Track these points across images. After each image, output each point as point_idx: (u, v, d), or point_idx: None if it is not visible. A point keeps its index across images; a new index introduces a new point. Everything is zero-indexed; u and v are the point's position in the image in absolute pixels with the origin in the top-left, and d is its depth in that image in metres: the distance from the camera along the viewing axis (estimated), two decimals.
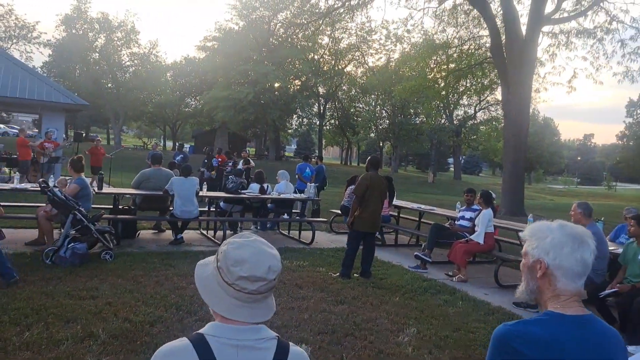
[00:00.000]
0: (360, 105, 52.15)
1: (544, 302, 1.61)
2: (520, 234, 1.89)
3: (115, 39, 48.54)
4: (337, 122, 53.80)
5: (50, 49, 47.15)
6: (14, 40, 42.77)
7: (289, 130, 61.49)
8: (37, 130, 16.42)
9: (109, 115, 49.56)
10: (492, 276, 7.46)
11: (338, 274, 6.90)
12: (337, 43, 45.88)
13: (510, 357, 1.53)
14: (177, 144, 28.07)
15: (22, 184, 8.27)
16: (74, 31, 46.38)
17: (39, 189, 6.95)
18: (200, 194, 8.81)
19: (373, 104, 50.40)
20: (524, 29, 17.66)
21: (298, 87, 46.24)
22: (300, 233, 9.73)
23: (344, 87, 50.11)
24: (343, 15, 39.16)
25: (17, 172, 10.83)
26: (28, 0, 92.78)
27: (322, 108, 49.96)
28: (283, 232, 10.36)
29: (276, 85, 42.35)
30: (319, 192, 12.02)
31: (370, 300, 5.98)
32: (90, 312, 4.83)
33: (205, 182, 12.00)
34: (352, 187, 10.14)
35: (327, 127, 56.06)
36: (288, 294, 5.86)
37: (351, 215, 6.98)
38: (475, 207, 8.15)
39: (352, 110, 52.07)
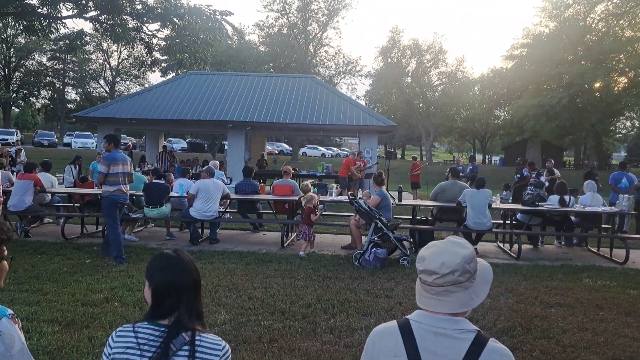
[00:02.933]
0: None
1: None
2: None
3: (425, 61, 51.60)
4: None
5: (370, 78, 53.33)
6: (342, 76, 50.06)
7: (617, 136, 53.95)
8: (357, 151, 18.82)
9: (421, 133, 52.75)
10: None
11: None
12: None
13: None
14: (469, 155, 28.00)
15: (338, 197, 9.79)
16: (389, 60, 51.34)
17: (348, 200, 8.13)
18: (494, 205, 8.74)
19: None
20: None
21: (625, 84, 40.21)
22: (611, 251, 8.59)
23: None
24: None
25: (338, 187, 12.82)
26: (351, 39, 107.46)
27: None
28: (592, 249, 9.30)
29: (596, 85, 37.86)
30: None
31: None
32: (382, 309, 5.45)
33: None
34: None
35: None
36: (584, 314, 5.35)
37: None
38: None
39: None
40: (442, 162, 52.46)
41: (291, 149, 48.99)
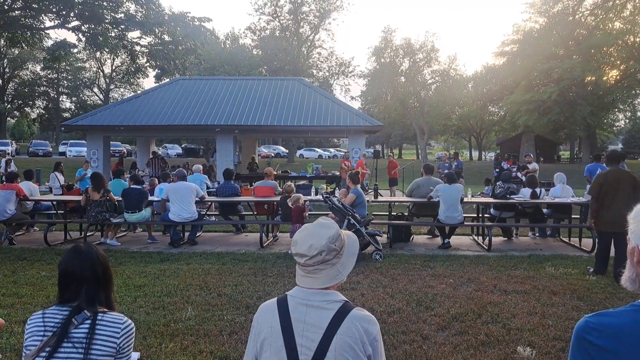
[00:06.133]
0: None
1: None
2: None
3: (418, 60, 51.77)
4: None
5: (364, 79, 53.52)
6: (335, 77, 50.28)
7: (613, 128, 54.28)
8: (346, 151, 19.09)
9: (416, 131, 52.90)
10: None
11: (592, 269, 6.74)
12: None
13: (587, 351, 1.46)
14: (452, 152, 27.99)
15: (316, 196, 9.99)
16: (382, 60, 51.52)
17: (323, 199, 8.33)
18: (465, 199, 8.93)
19: None
20: None
21: (616, 77, 40.44)
22: (580, 240, 8.79)
23: None
24: None
25: (328, 188, 13.04)
26: (344, 40, 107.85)
27: None
28: (564, 239, 9.50)
29: (587, 79, 38.05)
30: None
31: None
32: None
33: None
34: None
35: None
36: (537, 300, 5.54)
37: (591, 215, 6.85)
38: None
39: None
40: (435, 160, 52.63)
41: (287, 151, 49.18)
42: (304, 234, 1.83)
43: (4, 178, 11.18)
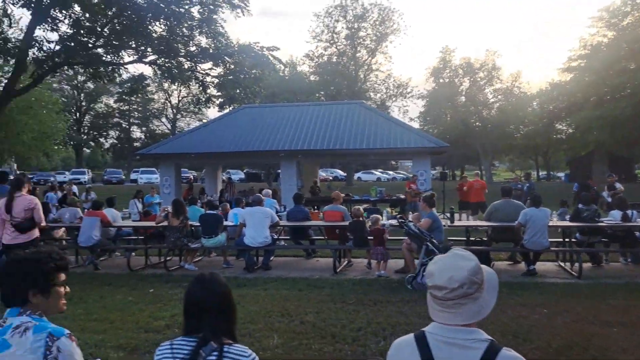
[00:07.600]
0: None
1: None
2: None
3: (479, 79, 50.82)
4: None
5: (423, 100, 53.06)
6: (394, 99, 50.16)
7: None
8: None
9: (479, 152, 51.59)
10: None
11: None
12: None
13: None
14: (523, 172, 26.67)
15: (390, 221, 9.79)
16: (441, 80, 50.98)
17: (398, 224, 8.16)
18: (551, 223, 8.48)
19: None
20: None
21: None
22: None
23: None
24: None
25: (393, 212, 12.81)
26: (401, 61, 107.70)
27: None
28: None
29: None
30: None
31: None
32: None
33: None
34: None
35: None
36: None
37: None
38: None
39: None
40: (503, 182, 50.98)
41: (345, 174, 49.15)
42: (439, 266, 1.72)
43: (85, 206, 11.75)
